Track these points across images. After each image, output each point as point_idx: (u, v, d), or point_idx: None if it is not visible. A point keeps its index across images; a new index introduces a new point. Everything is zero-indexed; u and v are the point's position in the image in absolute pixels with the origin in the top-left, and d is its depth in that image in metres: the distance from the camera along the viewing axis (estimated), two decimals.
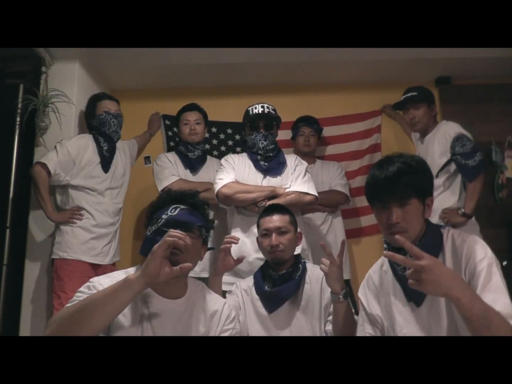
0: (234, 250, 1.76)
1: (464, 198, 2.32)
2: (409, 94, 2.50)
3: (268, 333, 1.72)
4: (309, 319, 1.71)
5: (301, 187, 2.18)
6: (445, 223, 2.26)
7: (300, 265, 1.79)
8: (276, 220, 1.80)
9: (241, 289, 1.81)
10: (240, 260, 1.73)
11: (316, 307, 1.72)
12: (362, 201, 2.90)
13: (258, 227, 1.86)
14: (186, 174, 2.58)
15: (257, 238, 1.87)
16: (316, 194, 2.22)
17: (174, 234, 1.15)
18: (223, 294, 1.76)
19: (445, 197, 2.35)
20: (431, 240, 1.26)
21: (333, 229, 2.68)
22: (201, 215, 1.35)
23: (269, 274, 1.77)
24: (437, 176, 2.35)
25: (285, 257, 1.77)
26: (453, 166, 2.35)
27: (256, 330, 1.72)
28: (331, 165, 2.86)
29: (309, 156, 2.78)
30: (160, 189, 2.46)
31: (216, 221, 2.51)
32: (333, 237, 2.65)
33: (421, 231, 1.26)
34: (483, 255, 1.16)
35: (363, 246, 3.02)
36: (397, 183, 1.22)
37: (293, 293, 1.74)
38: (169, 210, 1.30)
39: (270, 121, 2.27)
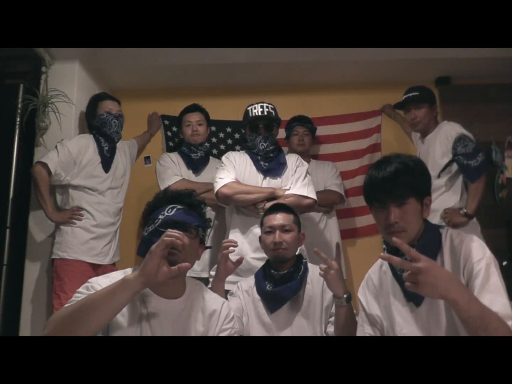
0: None
1: (465, 199, 2.31)
2: (410, 94, 2.48)
3: (269, 333, 1.71)
4: (310, 320, 1.71)
5: (301, 190, 2.17)
6: (446, 223, 2.25)
7: (302, 265, 1.79)
8: (280, 218, 1.80)
9: (243, 290, 1.81)
10: (239, 261, 1.72)
11: (318, 308, 1.72)
12: (359, 201, 2.88)
13: (262, 225, 1.86)
14: (189, 174, 2.58)
15: (260, 237, 1.87)
16: (315, 198, 2.20)
17: (172, 234, 1.14)
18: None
19: (447, 197, 2.34)
20: (430, 240, 1.26)
21: (328, 229, 2.66)
22: (197, 214, 1.35)
23: (271, 274, 1.77)
24: (439, 176, 2.34)
25: (288, 255, 1.77)
26: (454, 167, 2.34)
27: (257, 330, 1.72)
28: (326, 165, 2.85)
29: (304, 155, 2.73)
30: (162, 189, 2.45)
31: (216, 222, 2.51)
32: (328, 237, 2.63)
33: (420, 231, 1.26)
34: (481, 255, 1.16)
35: (358, 246, 3.01)
36: (394, 182, 1.22)
37: (294, 293, 1.74)
38: (166, 210, 1.30)
39: (270, 123, 2.26)
